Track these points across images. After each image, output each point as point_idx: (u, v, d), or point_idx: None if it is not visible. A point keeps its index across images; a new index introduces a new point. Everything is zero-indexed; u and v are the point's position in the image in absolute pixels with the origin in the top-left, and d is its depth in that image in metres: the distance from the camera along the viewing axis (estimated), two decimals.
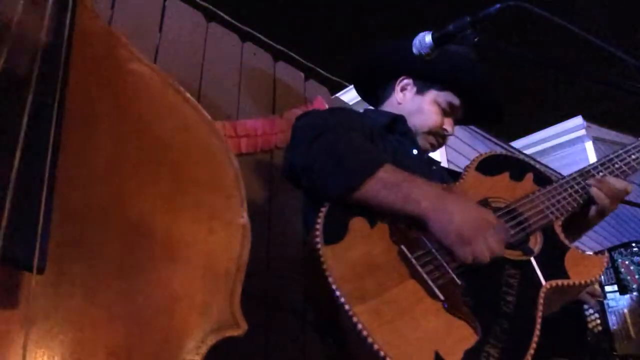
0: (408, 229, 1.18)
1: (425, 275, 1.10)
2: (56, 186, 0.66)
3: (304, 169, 1.22)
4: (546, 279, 1.23)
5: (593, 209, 1.41)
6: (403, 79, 1.64)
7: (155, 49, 1.94)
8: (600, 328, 2.14)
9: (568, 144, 7.37)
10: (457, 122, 1.66)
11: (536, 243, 1.31)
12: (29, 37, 0.75)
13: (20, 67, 0.72)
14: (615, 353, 2.02)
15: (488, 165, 1.44)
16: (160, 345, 0.67)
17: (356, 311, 0.99)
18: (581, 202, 1.40)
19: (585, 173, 1.44)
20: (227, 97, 2.14)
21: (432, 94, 1.59)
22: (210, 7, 2.21)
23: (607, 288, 2.36)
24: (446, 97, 1.58)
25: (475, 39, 1.18)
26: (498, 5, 1.13)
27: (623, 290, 2.29)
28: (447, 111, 1.59)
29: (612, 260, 2.11)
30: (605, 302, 2.27)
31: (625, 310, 2.16)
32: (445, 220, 1.15)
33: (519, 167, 1.49)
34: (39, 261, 0.60)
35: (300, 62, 2.61)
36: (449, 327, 1.07)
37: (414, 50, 1.32)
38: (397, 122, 1.55)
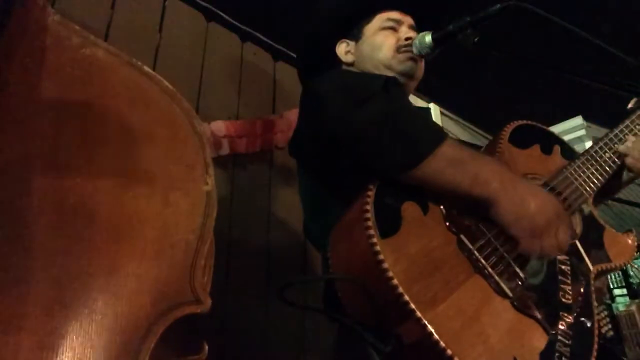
0: (461, 215, 1.06)
1: (491, 270, 1.01)
2: None
3: (353, 138, 1.05)
4: (592, 264, 1.17)
5: (625, 175, 1.35)
6: (339, 46, 1.45)
7: (155, 49, 1.94)
8: (612, 333, 2.11)
9: None
10: (419, 25, 1.43)
11: (576, 224, 1.23)
12: None
13: None
14: (625, 358, 2.00)
15: (519, 136, 1.33)
16: (114, 332, 0.63)
17: (429, 318, 0.88)
18: (611, 171, 1.31)
19: (610, 140, 1.36)
20: (227, 97, 2.15)
21: (368, 30, 1.42)
22: (210, 7, 2.21)
23: (616, 292, 2.29)
24: (379, 20, 1.42)
25: (475, 39, 1.18)
26: (498, 5, 1.13)
27: (633, 294, 2.25)
28: (393, 26, 1.41)
29: None
30: (613, 305, 2.22)
31: (637, 316, 2.12)
32: (518, 207, 1.03)
33: (547, 138, 1.39)
34: None
35: None
36: (520, 328, 0.99)
37: (414, 50, 1.32)
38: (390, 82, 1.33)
